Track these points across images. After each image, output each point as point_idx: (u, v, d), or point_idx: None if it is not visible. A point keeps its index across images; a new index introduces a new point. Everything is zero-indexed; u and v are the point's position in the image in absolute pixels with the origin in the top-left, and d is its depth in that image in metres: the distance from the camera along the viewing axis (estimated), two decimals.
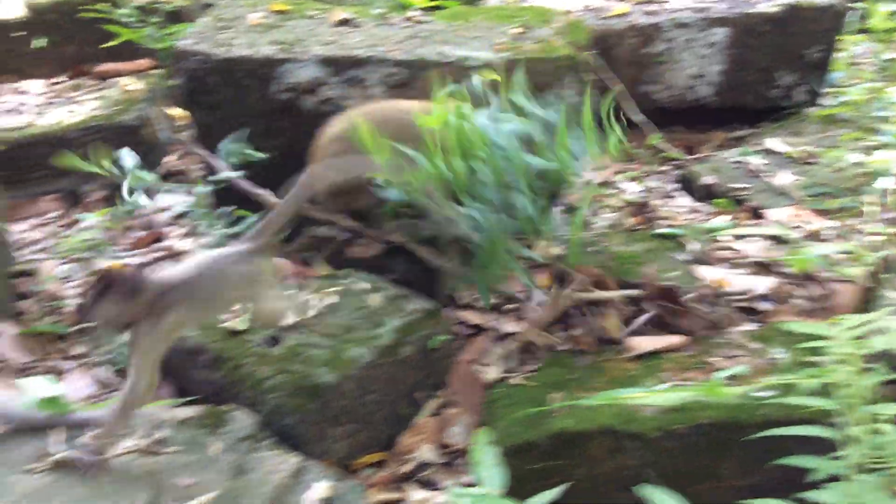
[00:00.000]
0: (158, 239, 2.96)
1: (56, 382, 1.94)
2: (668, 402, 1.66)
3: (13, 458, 1.71)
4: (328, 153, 2.35)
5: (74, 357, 2.36)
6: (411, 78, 2.69)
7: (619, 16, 3.46)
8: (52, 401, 1.77)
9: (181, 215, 3.05)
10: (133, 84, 3.63)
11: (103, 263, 2.78)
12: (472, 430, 1.96)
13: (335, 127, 2.40)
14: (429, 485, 1.92)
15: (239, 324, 2.12)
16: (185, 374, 2.10)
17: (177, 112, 3.66)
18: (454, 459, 1.98)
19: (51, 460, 1.67)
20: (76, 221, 3.05)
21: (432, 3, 3.30)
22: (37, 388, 1.86)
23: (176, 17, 3.68)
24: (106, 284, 1.59)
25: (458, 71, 2.65)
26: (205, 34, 2.82)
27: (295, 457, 1.73)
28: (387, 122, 2.29)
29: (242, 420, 1.82)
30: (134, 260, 2.81)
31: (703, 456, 1.79)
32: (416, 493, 1.88)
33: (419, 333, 2.10)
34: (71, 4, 3.87)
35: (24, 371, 2.28)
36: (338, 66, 2.67)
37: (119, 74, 3.73)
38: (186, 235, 2.95)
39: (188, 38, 2.77)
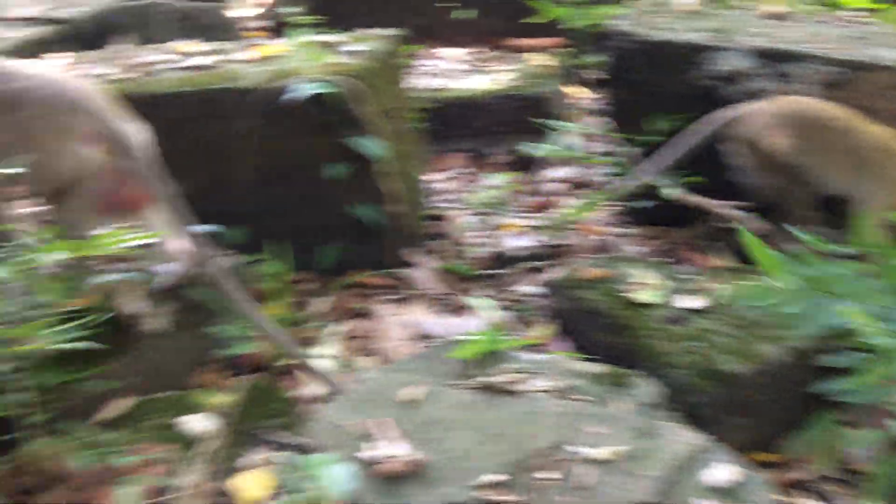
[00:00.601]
0: (548, 205, 3.12)
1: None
2: None
3: (442, 371, 1.92)
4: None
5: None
6: (844, 78, 2.56)
7: None
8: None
9: (577, 185, 3.20)
10: (541, 59, 3.84)
11: (503, 219, 3.01)
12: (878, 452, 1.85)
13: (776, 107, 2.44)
14: (824, 498, 1.85)
15: (641, 296, 2.18)
16: (584, 333, 2.22)
17: (579, 90, 3.83)
18: (853, 477, 1.88)
19: (478, 381, 1.85)
20: (480, 179, 3.32)
21: (865, 4, 3.11)
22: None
23: None
24: None
25: (893, 76, 2.49)
26: (634, 17, 2.90)
27: (699, 434, 1.75)
28: (818, 123, 2.30)
29: (646, 387, 1.88)
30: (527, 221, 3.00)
31: None
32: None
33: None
34: None
35: (439, 301, 2.55)
36: (769, 57, 2.61)
37: (532, 49, 3.96)
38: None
39: (619, 18, 2.88)
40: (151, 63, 2.72)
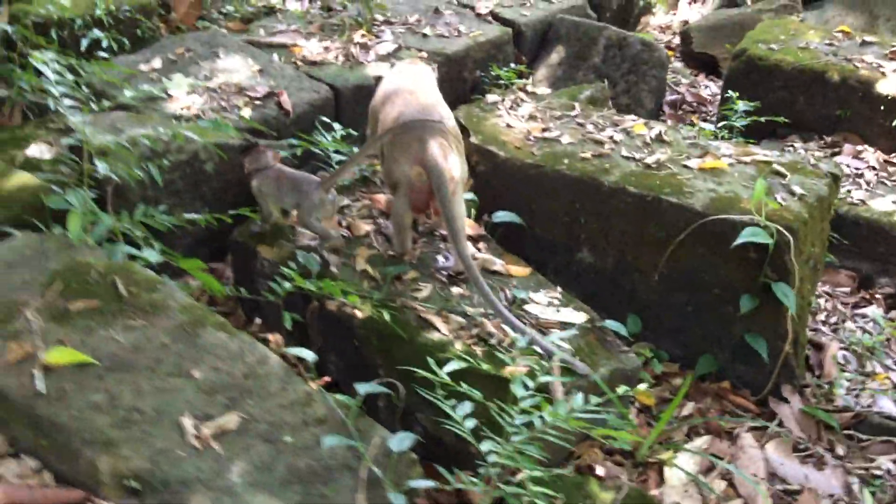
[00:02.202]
0: None
1: None
2: None
3: None
4: None
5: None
6: None
7: None
8: None
9: None
10: None
11: (878, 368, 3.01)
12: None
13: None
14: None
15: None
16: None
17: None
18: None
19: None
20: (861, 308, 3.30)
21: None
22: None
23: None
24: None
25: None
26: None
27: None
28: None
29: None
30: None
31: None
32: None
33: None
34: None
35: (802, 445, 2.67)
36: None
37: None
38: None
39: None
40: (608, 140, 3.04)
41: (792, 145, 4.16)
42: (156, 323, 2.01)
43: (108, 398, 1.81)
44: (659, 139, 3.14)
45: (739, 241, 2.55)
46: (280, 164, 2.84)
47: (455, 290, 2.61)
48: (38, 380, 1.82)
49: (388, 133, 2.58)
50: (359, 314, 2.47)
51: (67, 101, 2.59)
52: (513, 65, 4.48)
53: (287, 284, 2.46)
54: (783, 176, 2.89)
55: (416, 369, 2.12)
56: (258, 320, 2.84)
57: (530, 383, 2.00)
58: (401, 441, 1.83)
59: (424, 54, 4.10)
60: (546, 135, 3.16)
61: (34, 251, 2.17)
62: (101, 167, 2.53)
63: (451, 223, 2.48)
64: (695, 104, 4.98)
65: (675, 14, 6.29)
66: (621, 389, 2.28)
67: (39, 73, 2.72)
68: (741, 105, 4.02)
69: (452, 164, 2.52)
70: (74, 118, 2.49)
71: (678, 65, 5.53)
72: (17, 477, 1.78)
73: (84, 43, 3.82)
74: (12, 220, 2.49)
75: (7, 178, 2.66)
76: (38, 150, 3.08)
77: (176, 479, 1.69)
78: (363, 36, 4.22)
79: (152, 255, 2.40)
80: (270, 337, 2.77)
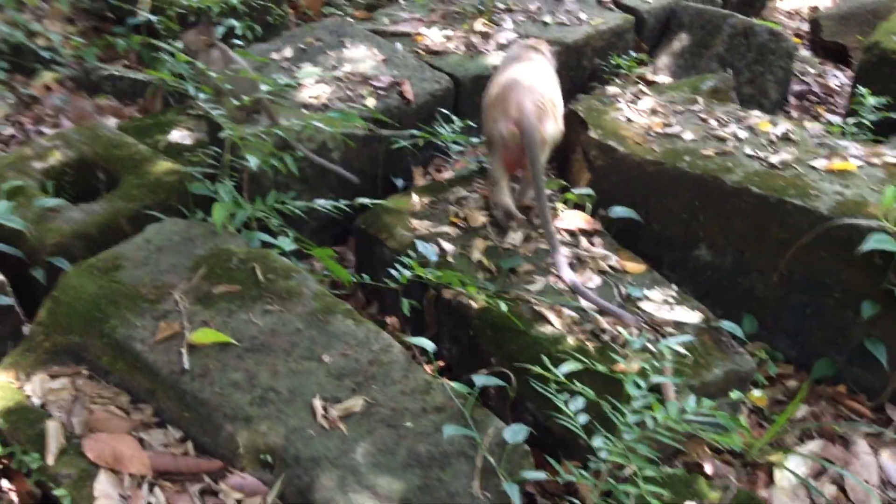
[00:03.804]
0: None
1: None
2: None
3: None
4: None
5: None
6: None
7: None
8: None
9: None
10: None
11: None
12: None
13: None
14: None
15: None
16: None
17: None
18: None
19: None
20: None
21: None
22: None
23: None
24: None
25: None
26: None
27: None
28: None
29: None
30: None
31: None
32: None
33: None
34: None
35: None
36: None
37: None
38: None
39: None
40: (731, 137, 3.01)
41: None
42: (290, 308, 2.16)
43: (247, 377, 1.97)
44: (785, 137, 3.08)
45: (866, 247, 2.50)
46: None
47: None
48: (184, 357, 1.99)
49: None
50: (474, 304, 2.56)
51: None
52: (633, 53, 4.44)
53: (407, 273, 2.57)
54: None
55: (530, 366, 2.19)
56: (377, 304, 2.98)
57: (643, 383, 2.04)
58: (515, 433, 1.91)
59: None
60: (667, 130, 3.15)
61: (182, 237, 2.36)
62: (251, 160, 2.69)
63: (538, 180, 2.66)
64: (822, 95, 4.81)
65: None
66: (734, 394, 2.28)
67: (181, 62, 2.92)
68: (872, 100, 3.87)
69: (546, 127, 2.71)
70: (216, 112, 2.66)
71: (806, 53, 5.34)
72: (162, 445, 1.96)
73: (220, 31, 4.03)
74: (159, 204, 2.69)
75: (154, 164, 2.87)
76: (179, 136, 3.30)
77: (306, 457, 1.83)
78: (484, 24, 4.27)
79: (286, 243, 2.55)
80: (388, 320, 2.91)
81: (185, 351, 2.01)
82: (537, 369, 2.14)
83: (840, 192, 2.73)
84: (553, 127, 2.76)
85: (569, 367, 2.08)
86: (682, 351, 2.40)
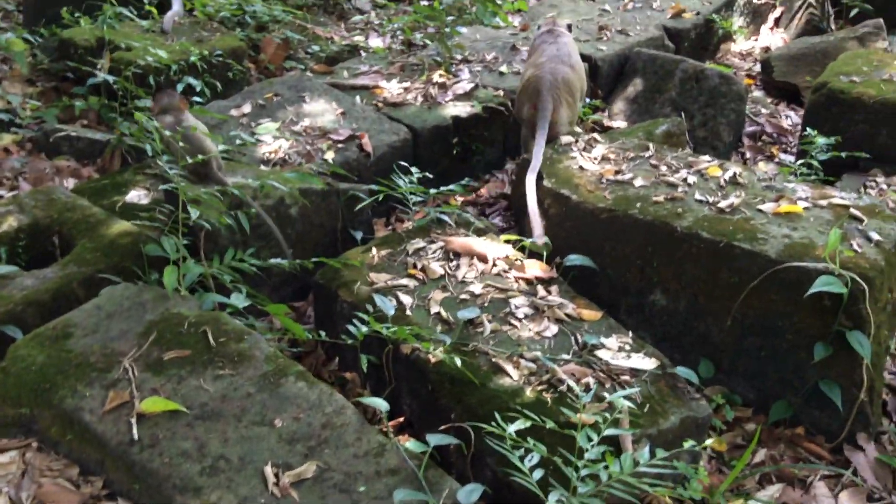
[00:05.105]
0: None
1: None
2: None
3: None
4: None
5: None
6: None
7: None
8: None
9: None
10: None
11: None
12: None
13: None
14: None
15: None
16: None
17: None
18: None
19: None
20: None
21: None
22: None
23: None
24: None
25: None
26: None
27: None
28: None
29: None
30: None
31: None
32: None
33: None
34: None
35: (876, 496, 2.63)
36: None
37: None
38: None
39: None
40: (681, 183, 3.07)
41: (874, 179, 4.07)
42: (242, 372, 2.15)
43: (197, 445, 1.95)
44: (733, 181, 3.14)
45: (813, 290, 2.54)
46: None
47: (525, 333, 2.67)
48: (133, 427, 1.98)
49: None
50: (432, 359, 2.56)
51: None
52: (588, 99, 4.52)
53: (364, 328, 2.58)
54: (860, 221, 2.85)
55: (483, 425, 2.20)
56: (337, 359, 2.97)
57: (595, 436, 2.05)
58: (469, 494, 1.91)
59: (501, 93, 4.19)
60: (619, 177, 3.20)
61: (133, 302, 2.35)
62: (194, 214, 2.70)
63: (542, 128, 3.48)
64: (775, 135, 4.91)
65: (756, 40, 6.21)
66: (687, 444, 2.30)
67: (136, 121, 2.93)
68: (821, 140, 3.96)
69: (557, 113, 3.59)
70: (171, 171, 2.67)
71: (759, 94, 5.46)
72: None
73: (179, 88, 4.06)
74: (113, 267, 2.69)
75: (109, 227, 2.87)
76: (136, 196, 3.29)
77: None
78: (441, 76, 4.34)
79: (240, 300, 2.55)
80: (348, 376, 2.90)
81: (135, 420, 1.99)
82: (491, 427, 2.14)
83: (788, 234, 2.78)
84: (564, 113, 3.66)
85: (518, 425, 2.09)
86: (635, 402, 2.41)
